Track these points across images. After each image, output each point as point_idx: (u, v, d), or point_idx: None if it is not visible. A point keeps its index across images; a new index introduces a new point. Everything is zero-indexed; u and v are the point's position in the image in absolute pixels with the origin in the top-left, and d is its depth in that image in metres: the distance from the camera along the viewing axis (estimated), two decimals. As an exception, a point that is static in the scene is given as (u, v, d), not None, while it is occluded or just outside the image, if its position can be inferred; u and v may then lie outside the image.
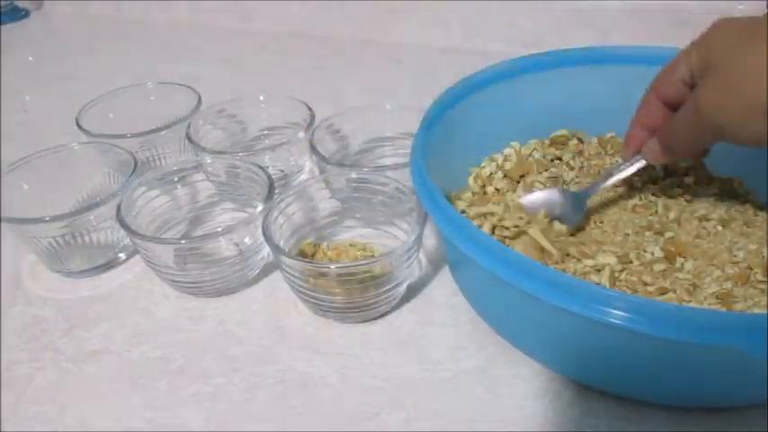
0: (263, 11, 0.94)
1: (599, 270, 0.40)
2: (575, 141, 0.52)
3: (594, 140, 0.52)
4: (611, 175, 0.43)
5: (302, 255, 0.46)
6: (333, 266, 0.39)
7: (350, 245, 0.47)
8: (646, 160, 0.40)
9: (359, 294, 0.40)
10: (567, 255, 0.41)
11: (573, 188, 0.48)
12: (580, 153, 0.51)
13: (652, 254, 0.41)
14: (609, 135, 0.53)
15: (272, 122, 0.61)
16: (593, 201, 0.46)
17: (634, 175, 0.49)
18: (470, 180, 0.49)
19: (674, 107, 0.37)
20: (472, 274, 0.39)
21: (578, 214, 0.44)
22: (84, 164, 0.52)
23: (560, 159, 0.51)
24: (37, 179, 0.50)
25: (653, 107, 0.39)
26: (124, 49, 0.92)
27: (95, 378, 0.40)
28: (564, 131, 0.52)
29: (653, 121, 0.39)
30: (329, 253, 0.47)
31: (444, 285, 0.45)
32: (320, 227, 0.49)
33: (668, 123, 0.37)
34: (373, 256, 0.46)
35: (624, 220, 0.44)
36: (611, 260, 0.40)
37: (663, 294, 0.38)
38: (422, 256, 0.48)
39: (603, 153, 0.51)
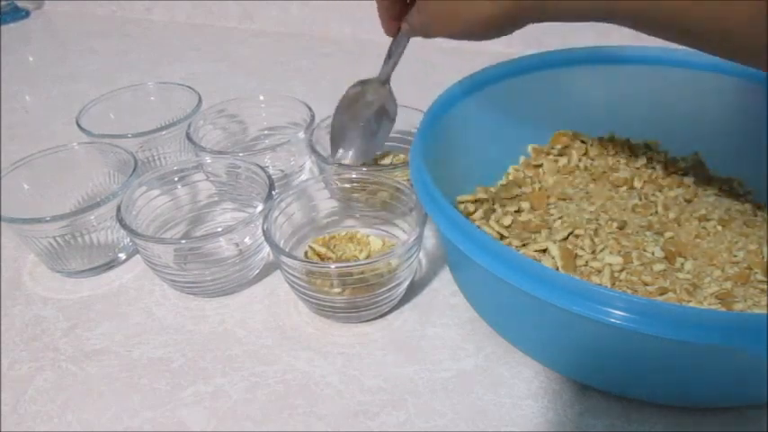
0: (263, 11, 0.94)
1: (599, 270, 0.40)
2: (578, 144, 0.52)
3: (595, 141, 0.52)
4: (390, 56, 0.45)
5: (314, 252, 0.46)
6: (333, 266, 0.39)
7: (349, 238, 0.47)
8: (407, 36, 0.43)
9: (359, 294, 0.40)
10: (575, 256, 0.41)
11: (578, 181, 0.49)
12: (585, 153, 0.51)
13: (652, 254, 0.41)
14: (609, 135, 0.53)
15: (272, 122, 0.61)
16: (593, 201, 0.46)
17: (634, 174, 0.49)
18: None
19: None
20: (472, 274, 0.39)
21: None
22: (84, 164, 0.52)
23: (567, 161, 0.51)
24: (37, 179, 0.50)
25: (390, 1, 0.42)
26: (124, 49, 0.92)
27: (95, 378, 0.40)
28: (566, 131, 0.52)
29: (396, 12, 0.42)
30: (334, 250, 0.47)
31: (444, 285, 0.45)
32: (320, 227, 0.49)
33: (410, 12, 0.41)
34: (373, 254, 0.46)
35: (624, 219, 0.44)
36: (614, 260, 0.40)
37: (663, 294, 0.38)
38: (422, 256, 0.48)
39: (605, 153, 0.51)
